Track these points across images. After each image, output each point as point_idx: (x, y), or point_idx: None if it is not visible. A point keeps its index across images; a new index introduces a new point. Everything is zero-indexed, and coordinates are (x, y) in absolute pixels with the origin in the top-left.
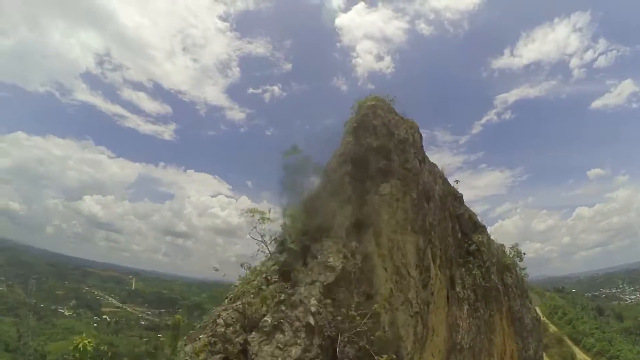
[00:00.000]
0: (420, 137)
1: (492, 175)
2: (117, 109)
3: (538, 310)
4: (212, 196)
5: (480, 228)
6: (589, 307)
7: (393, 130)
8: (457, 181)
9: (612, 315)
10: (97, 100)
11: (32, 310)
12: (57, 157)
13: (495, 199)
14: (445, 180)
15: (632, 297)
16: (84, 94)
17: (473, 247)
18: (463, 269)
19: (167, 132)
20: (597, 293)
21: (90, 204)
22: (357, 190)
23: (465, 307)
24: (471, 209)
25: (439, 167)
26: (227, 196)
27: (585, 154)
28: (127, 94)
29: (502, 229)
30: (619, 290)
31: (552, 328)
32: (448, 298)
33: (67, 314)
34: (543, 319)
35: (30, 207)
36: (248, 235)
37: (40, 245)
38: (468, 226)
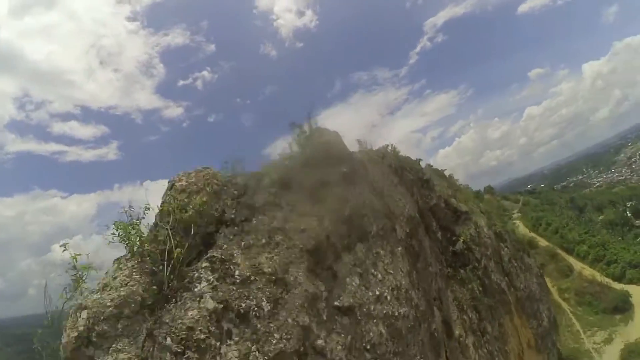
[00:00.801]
0: None
1: (439, 98)
2: (53, 147)
3: (522, 228)
4: None
5: (463, 215)
6: (564, 202)
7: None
8: (419, 159)
9: (591, 210)
10: (31, 145)
11: None
12: (11, 217)
13: (447, 119)
14: (402, 171)
15: (599, 179)
16: (15, 144)
17: (460, 245)
18: (455, 285)
19: (110, 152)
20: (565, 183)
21: (60, 251)
22: None
23: (471, 341)
24: (426, 134)
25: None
26: None
27: (523, 57)
28: (58, 127)
29: (460, 146)
30: (585, 175)
31: (542, 242)
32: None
33: None
34: (531, 234)
35: (6, 278)
36: None
37: (29, 311)
38: (447, 217)
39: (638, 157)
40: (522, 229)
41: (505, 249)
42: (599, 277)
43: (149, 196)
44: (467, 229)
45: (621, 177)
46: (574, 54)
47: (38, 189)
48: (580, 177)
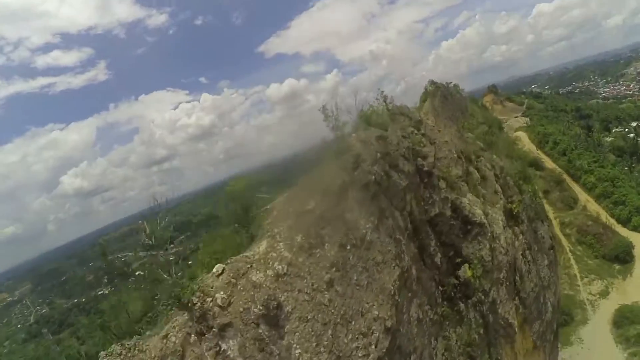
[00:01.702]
0: None
1: None
2: (41, 81)
3: (527, 142)
4: (174, 109)
5: (475, 228)
6: (569, 111)
7: None
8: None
9: (597, 126)
10: (18, 86)
11: (78, 314)
12: (15, 162)
13: (452, 10)
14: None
15: (606, 89)
16: (2, 89)
17: (464, 273)
18: (449, 329)
19: (99, 73)
20: (570, 88)
21: (69, 181)
22: None
23: None
24: (429, 25)
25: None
26: (187, 102)
27: None
28: (42, 61)
29: (465, 39)
30: (591, 83)
31: (548, 163)
32: None
33: (106, 292)
34: (538, 152)
35: (24, 221)
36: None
37: (52, 245)
38: (454, 231)
39: None
40: (526, 143)
41: (522, 238)
42: (604, 217)
43: (147, 110)
44: (478, 249)
45: (628, 92)
46: None
47: (34, 128)
48: (586, 83)
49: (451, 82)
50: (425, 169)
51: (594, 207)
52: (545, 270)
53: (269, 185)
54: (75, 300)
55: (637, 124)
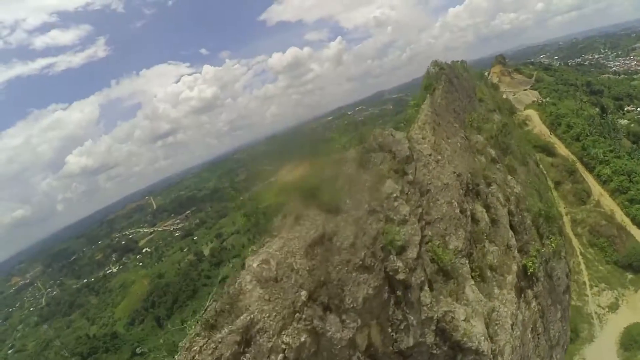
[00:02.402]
0: None
1: None
2: (41, 62)
3: (538, 123)
4: (176, 82)
5: (469, 355)
6: (580, 85)
7: None
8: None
9: (613, 110)
10: (18, 69)
11: (88, 294)
12: (19, 146)
13: None
14: None
15: (616, 63)
16: (2, 74)
17: None
18: None
19: (99, 49)
20: (580, 60)
21: (75, 160)
22: None
23: None
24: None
25: None
26: (189, 74)
27: None
28: (40, 42)
29: (472, 5)
30: (601, 55)
31: (561, 149)
32: None
33: (115, 270)
34: (550, 136)
35: (32, 203)
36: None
37: (61, 225)
38: None
39: None
40: (537, 124)
41: (534, 305)
42: (619, 215)
43: (149, 84)
44: None
45: (639, 67)
46: None
47: (37, 110)
48: (596, 56)
49: (458, 61)
50: (401, 277)
51: (608, 202)
52: (557, 325)
53: (272, 157)
54: (85, 281)
55: None
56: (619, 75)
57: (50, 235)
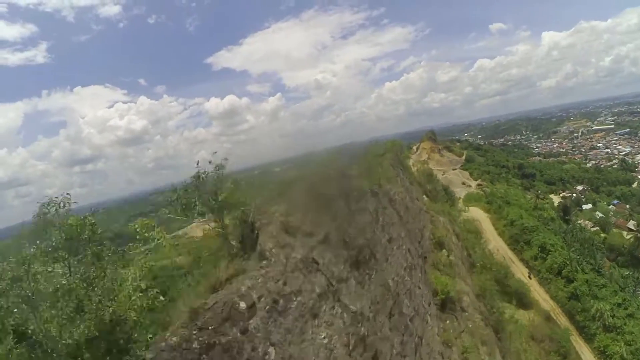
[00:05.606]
0: None
1: (395, 31)
2: None
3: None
4: (109, 107)
5: None
6: (511, 168)
7: None
8: None
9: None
10: None
11: None
12: None
13: (400, 54)
14: None
15: (539, 145)
16: None
17: None
18: None
19: (39, 54)
20: (503, 140)
21: None
22: None
23: None
24: (376, 65)
25: None
26: (124, 102)
27: (488, 9)
28: None
29: (407, 82)
30: (523, 137)
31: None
32: None
33: None
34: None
35: None
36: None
37: None
38: None
39: (580, 133)
40: (492, 237)
41: None
42: None
43: (80, 103)
44: None
45: (561, 149)
46: (539, 20)
47: None
48: (518, 137)
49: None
50: None
51: None
52: None
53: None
54: None
55: (583, 187)
56: (546, 158)
57: None
